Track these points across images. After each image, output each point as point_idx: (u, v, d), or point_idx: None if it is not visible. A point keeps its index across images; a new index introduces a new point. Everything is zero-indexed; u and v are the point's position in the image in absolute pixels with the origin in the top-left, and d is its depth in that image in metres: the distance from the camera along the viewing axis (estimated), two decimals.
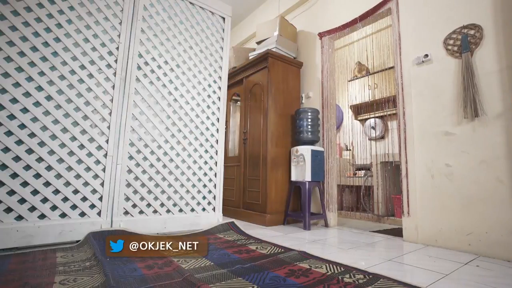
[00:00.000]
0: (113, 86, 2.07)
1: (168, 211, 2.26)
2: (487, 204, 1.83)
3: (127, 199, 2.08)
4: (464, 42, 2.00)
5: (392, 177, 3.50)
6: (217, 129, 2.63)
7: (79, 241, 1.79)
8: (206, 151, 2.53)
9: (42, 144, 1.76)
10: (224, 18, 2.79)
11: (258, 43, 3.49)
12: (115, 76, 2.08)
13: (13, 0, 1.70)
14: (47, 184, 1.76)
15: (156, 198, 2.20)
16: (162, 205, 2.24)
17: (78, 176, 1.87)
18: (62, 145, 1.83)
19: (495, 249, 1.76)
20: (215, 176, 2.57)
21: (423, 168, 2.17)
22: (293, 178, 2.90)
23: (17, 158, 1.67)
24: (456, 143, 2.01)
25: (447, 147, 2.06)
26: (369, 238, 2.31)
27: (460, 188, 1.96)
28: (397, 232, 2.48)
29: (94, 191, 1.93)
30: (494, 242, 1.77)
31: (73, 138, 1.87)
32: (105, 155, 1.99)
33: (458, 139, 2.00)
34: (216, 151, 2.60)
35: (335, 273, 1.32)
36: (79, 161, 1.89)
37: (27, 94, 1.72)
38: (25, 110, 1.71)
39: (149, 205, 2.17)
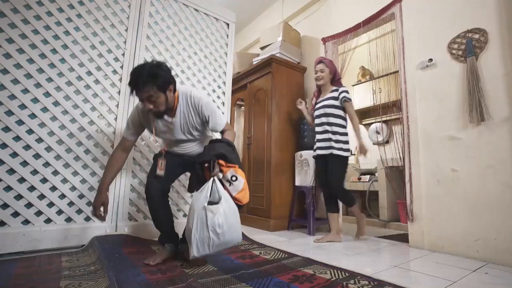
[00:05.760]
0: (119, 91, 2.10)
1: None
2: (495, 210, 1.79)
3: (132, 203, 2.09)
4: (468, 46, 1.99)
5: (397, 182, 3.46)
6: None
7: (84, 245, 1.80)
8: None
9: (49, 149, 1.78)
10: (228, 24, 2.82)
11: (262, 48, 3.51)
12: (120, 81, 2.11)
13: (23, 9, 1.75)
14: (53, 188, 1.78)
15: None
16: None
17: (83, 181, 1.90)
18: (69, 150, 1.85)
19: (504, 256, 1.72)
20: None
21: (429, 173, 2.15)
22: (297, 183, 2.89)
23: (24, 163, 1.69)
24: (462, 147, 1.99)
25: (452, 152, 2.03)
26: (375, 243, 2.28)
27: (467, 193, 1.93)
28: (403, 238, 2.45)
29: None
30: (503, 249, 1.73)
31: (79, 143, 1.90)
32: None
33: (464, 144, 1.98)
34: None
35: (339, 279, 1.30)
36: (85, 166, 1.91)
37: (35, 100, 1.76)
38: (33, 116, 1.74)
39: None
